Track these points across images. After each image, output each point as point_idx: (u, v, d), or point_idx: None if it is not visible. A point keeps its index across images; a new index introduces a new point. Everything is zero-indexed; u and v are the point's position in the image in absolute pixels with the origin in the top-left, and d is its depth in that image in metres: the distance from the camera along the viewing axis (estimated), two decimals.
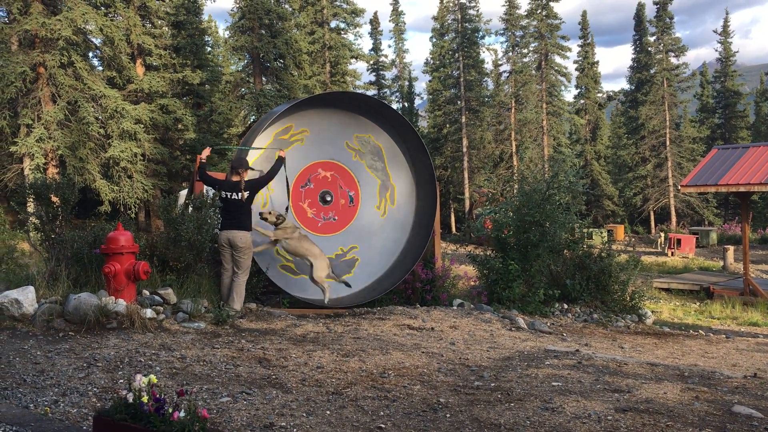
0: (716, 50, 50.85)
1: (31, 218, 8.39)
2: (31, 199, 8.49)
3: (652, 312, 12.80)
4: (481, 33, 46.91)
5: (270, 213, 8.75)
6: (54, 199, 8.10)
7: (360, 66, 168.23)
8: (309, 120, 10.00)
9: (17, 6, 24.11)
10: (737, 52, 51.18)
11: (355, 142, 10.27)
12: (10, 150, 24.20)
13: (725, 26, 50.14)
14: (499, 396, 5.12)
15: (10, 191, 24.82)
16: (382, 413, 4.58)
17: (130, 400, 3.34)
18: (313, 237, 9.50)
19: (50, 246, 7.96)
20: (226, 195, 8.10)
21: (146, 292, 7.35)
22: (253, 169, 8.46)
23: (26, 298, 6.70)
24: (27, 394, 4.55)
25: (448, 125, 47.75)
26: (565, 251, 11.57)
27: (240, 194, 8.04)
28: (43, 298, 6.91)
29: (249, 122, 34.90)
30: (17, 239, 10.63)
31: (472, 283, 11.69)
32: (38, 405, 4.32)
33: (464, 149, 45.26)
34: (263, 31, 33.02)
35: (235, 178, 8.14)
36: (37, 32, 23.93)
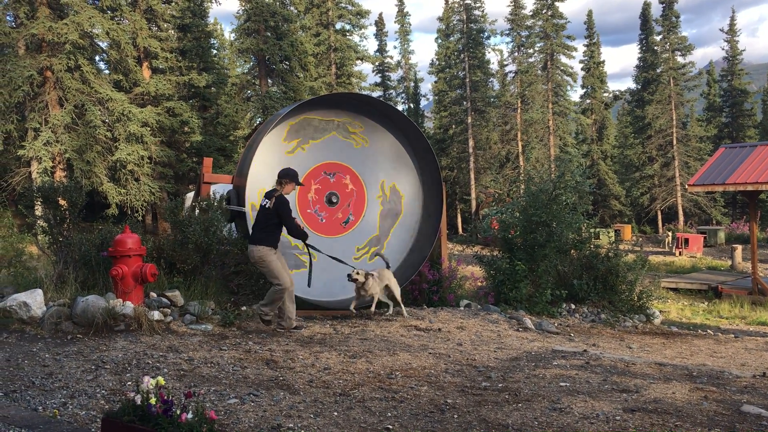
0: (723, 49, 50.69)
1: (39, 221, 8.43)
2: (39, 203, 8.53)
3: (660, 312, 12.75)
4: (486, 33, 46.88)
5: (358, 273, 8.45)
6: (62, 202, 8.14)
7: (365, 67, 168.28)
8: (376, 135, 10.25)
9: (24, 10, 24.21)
10: (744, 50, 50.96)
11: (387, 190, 10.37)
12: (18, 154, 24.32)
13: (732, 24, 49.96)
14: (506, 396, 5.11)
15: (18, 195, 24.91)
16: (389, 414, 4.58)
17: (138, 402, 3.35)
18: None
19: (58, 249, 7.99)
20: (263, 201, 7.60)
21: (153, 295, 7.38)
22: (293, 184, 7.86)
23: (34, 300, 6.73)
24: (36, 396, 4.56)
25: (453, 126, 47.72)
26: (572, 251, 11.54)
27: (269, 202, 7.45)
28: (51, 301, 6.94)
29: (255, 124, 34.94)
30: (25, 242, 10.67)
31: (479, 284, 11.67)
32: (47, 407, 4.34)
33: (470, 150, 45.22)
34: (269, 34, 33.07)
35: (277, 187, 7.57)
36: (44, 36, 24.04)
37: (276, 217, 7.43)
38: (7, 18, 25.66)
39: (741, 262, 24.58)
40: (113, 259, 7.11)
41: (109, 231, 8.18)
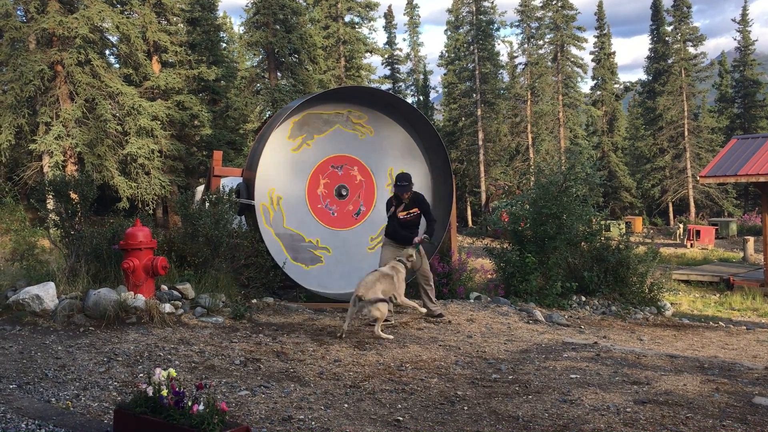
0: (735, 39, 50.05)
1: (50, 215, 8.47)
2: (51, 197, 8.58)
3: (671, 304, 12.68)
4: (496, 25, 46.57)
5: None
6: (73, 196, 8.18)
7: (375, 60, 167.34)
8: (380, 123, 10.23)
9: (34, 5, 24.28)
10: (756, 40, 50.33)
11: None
12: (30, 148, 24.43)
13: (744, 14, 49.36)
14: (516, 388, 5.11)
15: (30, 189, 25.06)
16: (399, 406, 4.59)
17: (150, 394, 3.38)
18: (310, 216, 9.60)
19: (70, 242, 8.04)
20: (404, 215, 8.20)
21: (165, 287, 7.41)
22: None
23: (47, 294, 6.78)
24: (49, 388, 4.61)
25: (463, 118, 47.55)
26: (583, 243, 11.49)
27: (408, 211, 8.17)
28: (63, 294, 6.99)
29: (264, 117, 34.97)
30: (37, 236, 10.74)
31: (489, 276, 11.65)
32: (60, 399, 4.38)
33: (480, 142, 45.07)
34: (278, 27, 33.04)
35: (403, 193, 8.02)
36: (54, 31, 24.11)
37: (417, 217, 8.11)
38: (18, 12, 25.75)
39: (753, 253, 24.42)
40: (124, 252, 7.15)
41: (121, 224, 8.22)
